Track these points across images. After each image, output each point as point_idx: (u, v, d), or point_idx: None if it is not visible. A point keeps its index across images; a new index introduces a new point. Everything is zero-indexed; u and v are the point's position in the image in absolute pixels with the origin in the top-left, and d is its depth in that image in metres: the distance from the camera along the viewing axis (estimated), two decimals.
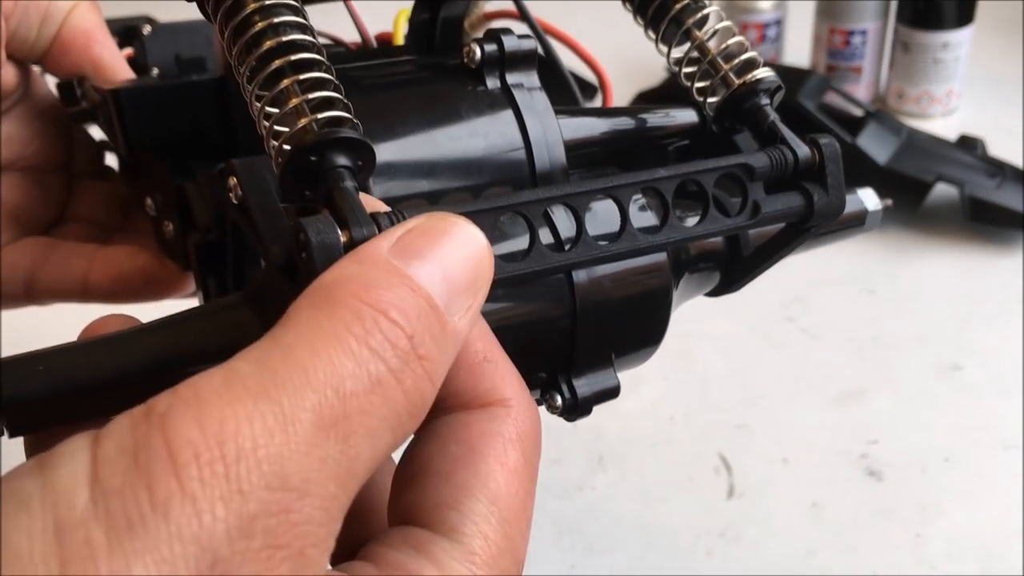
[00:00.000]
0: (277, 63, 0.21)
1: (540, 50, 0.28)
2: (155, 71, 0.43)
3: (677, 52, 0.28)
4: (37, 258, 0.36)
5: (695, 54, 0.28)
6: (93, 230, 0.39)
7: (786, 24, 0.94)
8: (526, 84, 0.26)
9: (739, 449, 0.56)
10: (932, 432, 0.56)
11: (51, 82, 0.40)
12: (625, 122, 0.29)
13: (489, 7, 0.35)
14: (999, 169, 0.72)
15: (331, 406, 0.18)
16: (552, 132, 0.26)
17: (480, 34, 0.27)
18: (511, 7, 0.30)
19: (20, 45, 0.32)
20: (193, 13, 0.24)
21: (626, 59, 1.07)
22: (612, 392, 0.28)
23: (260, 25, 0.21)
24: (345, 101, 0.22)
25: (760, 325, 0.65)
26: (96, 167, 0.41)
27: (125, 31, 0.43)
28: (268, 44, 0.21)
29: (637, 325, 0.28)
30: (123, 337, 0.22)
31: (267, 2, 0.22)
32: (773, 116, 0.28)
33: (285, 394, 0.17)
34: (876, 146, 0.73)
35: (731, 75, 0.28)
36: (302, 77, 0.21)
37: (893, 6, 0.87)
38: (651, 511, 0.52)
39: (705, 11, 0.28)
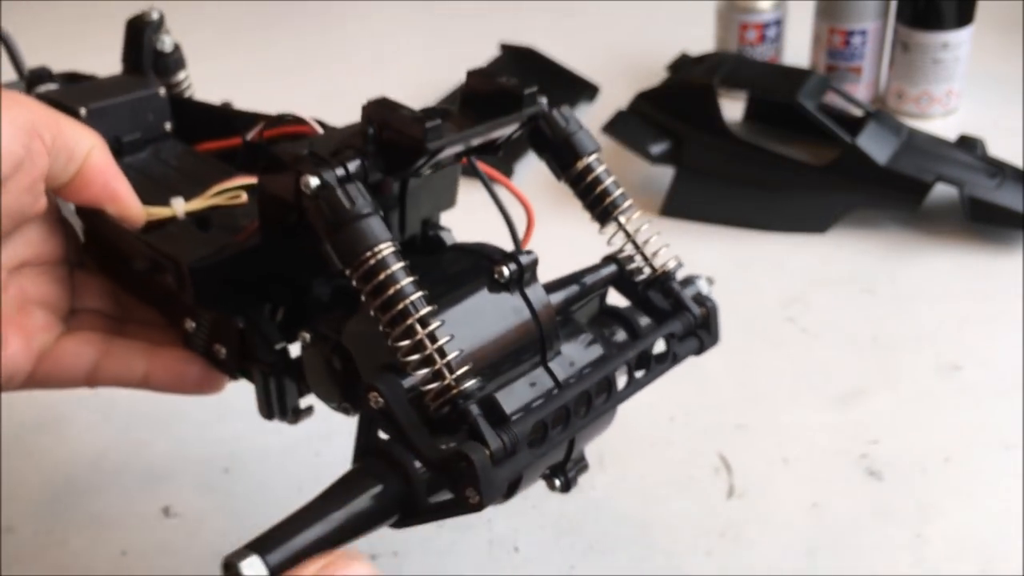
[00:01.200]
0: (410, 321, 0.32)
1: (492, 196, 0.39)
2: None
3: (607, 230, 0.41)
4: (99, 352, 0.42)
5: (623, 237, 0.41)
6: (106, 321, 0.44)
7: (786, 24, 0.94)
8: (533, 288, 0.37)
9: (739, 449, 0.56)
10: (932, 432, 0.56)
11: None
12: (575, 288, 0.40)
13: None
14: (999, 169, 0.72)
15: None
16: (551, 315, 0.37)
17: None
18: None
19: (49, 179, 0.39)
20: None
21: (625, 61, 1.07)
22: (585, 467, 0.41)
23: (392, 288, 0.32)
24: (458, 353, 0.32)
25: (760, 325, 0.65)
26: (79, 257, 0.45)
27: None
28: (401, 306, 0.32)
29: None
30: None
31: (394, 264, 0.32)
32: (678, 291, 0.41)
33: None
34: (876, 146, 0.73)
35: (654, 264, 0.41)
36: (427, 329, 0.32)
37: (893, 6, 0.87)
38: (651, 511, 0.52)
39: (629, 204, 0.41)
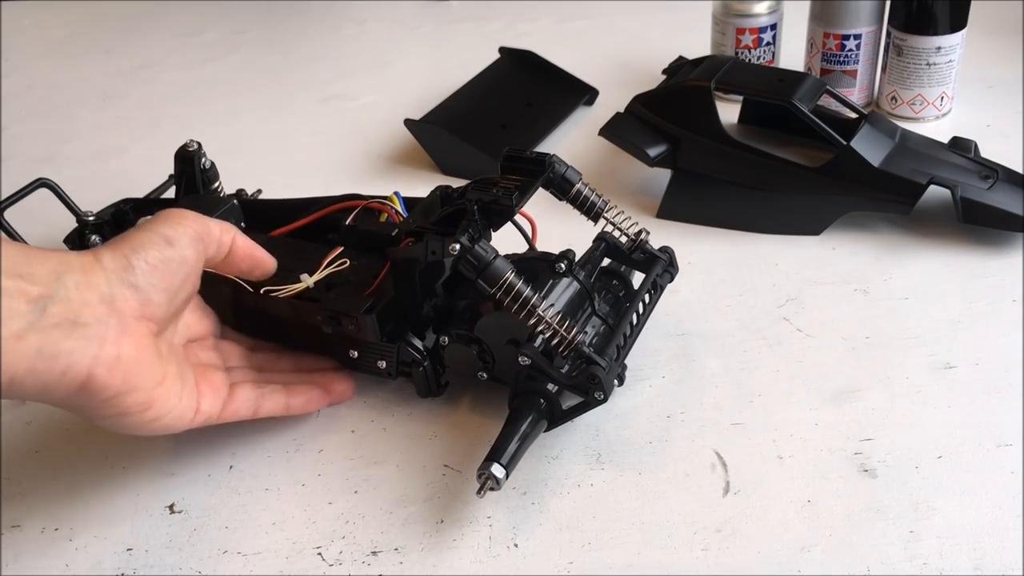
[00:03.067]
0: (536, 311, 0.53)
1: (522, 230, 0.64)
2: None
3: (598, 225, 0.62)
4: (256, 395, 0.56)
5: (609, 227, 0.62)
6: (250, 373, 0.59)
7: (782, 28, 0.94)
8: (576, 271, 0.59)
9: (735, 447, 0.56)
10: (925, 430, 0.57)
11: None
12: (598, 255, 0.63)
13: None
14: (992, 170, 0.73)
15: None
16: (590, 283, 0.59)
17: None
18: None
19: (207, 263, 0.52)
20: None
21: (624, 63, 1.07)
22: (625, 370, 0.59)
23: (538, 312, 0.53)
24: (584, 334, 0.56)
25: (756, 324, 0.66)
26: (219, 331, 0.61)
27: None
28: (529, 304, 0.53)
29: None
30: None
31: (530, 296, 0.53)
32: (651, 248, 0.62)
33: None
34: (870, 148, 0.73)
35: (631, 235, 0.62)
36: (547, 314, 0.53)
37: (887, 11, 0.88)
38: (648, 508, 0.53)
39: (608, 205, 0.61)
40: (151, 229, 0.49)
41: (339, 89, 1.08)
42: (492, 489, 0.51)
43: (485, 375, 0.58)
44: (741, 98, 0.86)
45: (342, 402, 0.61)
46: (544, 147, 0.91)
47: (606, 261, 0.64)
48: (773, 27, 0.93)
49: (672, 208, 0.78)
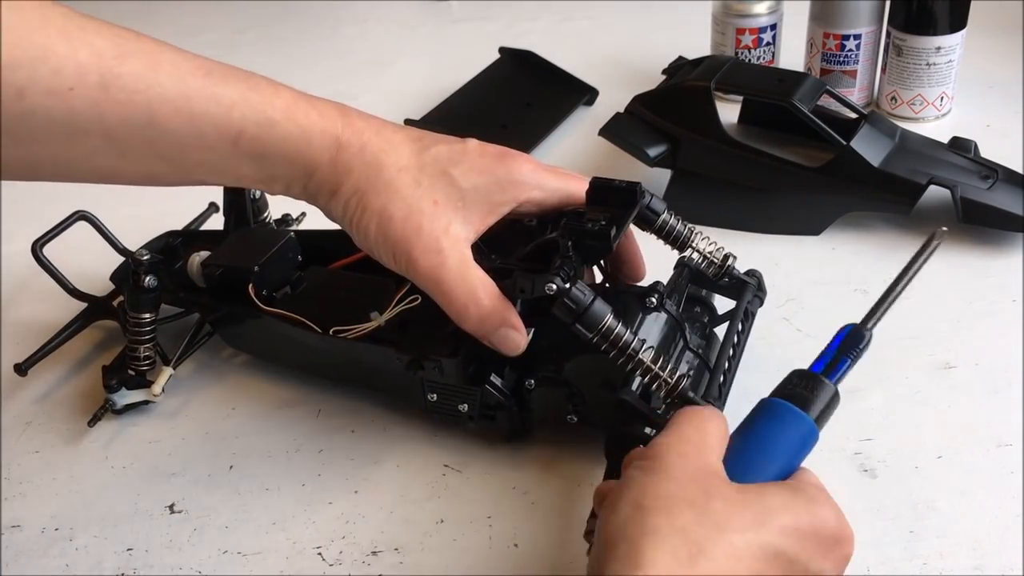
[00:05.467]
0: (635, 356, 0.49)
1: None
2: None
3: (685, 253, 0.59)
4: None
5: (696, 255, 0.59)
6: None
7: (782, 28, 0.94)
8: (667, 304, 0.54)
9: None
10: (925, 430, 0.57)
11: None
12: (683, 283, 0.59)
13: None
14: (991, 171, 0.73)
15: None
16: (680, 315, 0.56)
17: None
18: None
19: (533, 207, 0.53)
20: None
21: (623, 64, 1.08)
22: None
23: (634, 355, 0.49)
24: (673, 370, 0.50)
25: (756, 324, 0.66)
26: None
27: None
28: (629, 350, 0.49)
29: None
30: None
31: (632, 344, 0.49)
32: (738, 273, 0.60)
33: None
34: (870, 148, 0.73)
35: (717, 262, 0.59)
36: (647, 358, 0.49)
37: (886, 11, 0.88)
38: None
39: (694, 232, 0.58)
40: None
41: (339, 89, 1.08)
42: None
43: (575, 419, 0.55)
44: (741, 98, 0.86)
45: None
46: (544, 147, 0.91)
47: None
48: (773, 27, 0.93)
49: (672, 209, 0.78)
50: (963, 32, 0.85)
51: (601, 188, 0.53)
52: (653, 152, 0.78)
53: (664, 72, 0.91)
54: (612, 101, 0.95)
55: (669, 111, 0.79)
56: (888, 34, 0.88)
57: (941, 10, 0.83)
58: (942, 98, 0.89)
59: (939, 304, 0.67)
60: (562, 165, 0.90)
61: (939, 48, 0.85)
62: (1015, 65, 0.99)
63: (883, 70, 0.90)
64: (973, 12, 0.85)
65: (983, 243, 0.72)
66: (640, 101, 0.81)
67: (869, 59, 0.90)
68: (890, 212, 0.74)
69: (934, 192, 0.72)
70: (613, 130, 0.80)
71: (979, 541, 0.50)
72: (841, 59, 0.89)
